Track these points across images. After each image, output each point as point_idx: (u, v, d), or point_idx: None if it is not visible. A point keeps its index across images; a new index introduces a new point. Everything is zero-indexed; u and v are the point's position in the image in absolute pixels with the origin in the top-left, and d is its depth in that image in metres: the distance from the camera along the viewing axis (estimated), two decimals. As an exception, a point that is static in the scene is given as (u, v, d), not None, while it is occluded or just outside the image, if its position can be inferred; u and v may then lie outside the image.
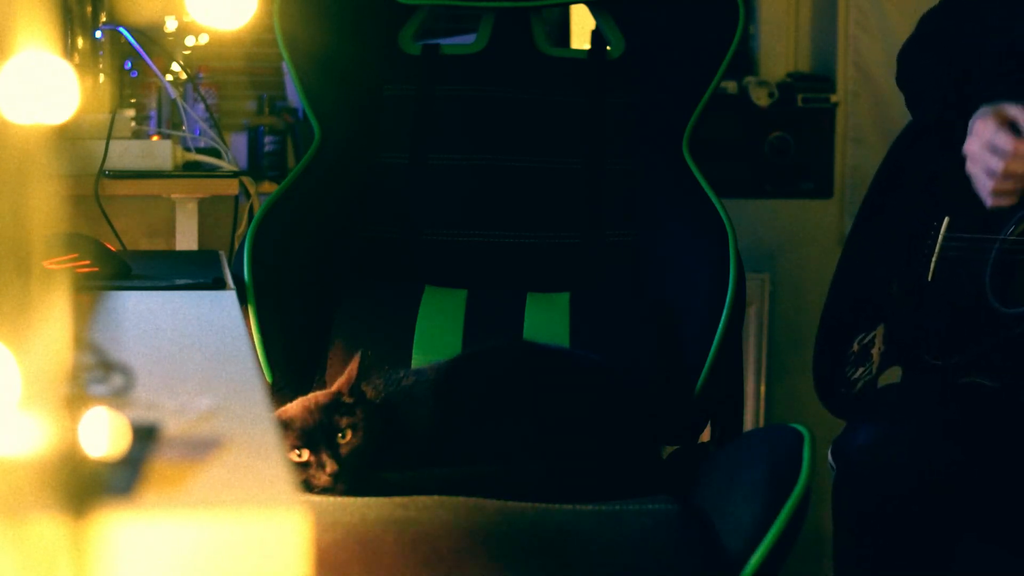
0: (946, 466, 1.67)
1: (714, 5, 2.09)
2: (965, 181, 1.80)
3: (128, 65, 2.74)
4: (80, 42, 2.46)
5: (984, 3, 1.92)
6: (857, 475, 1.71)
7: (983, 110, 1.76)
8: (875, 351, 1.90)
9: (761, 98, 3.11)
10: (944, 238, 1.85)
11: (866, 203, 2.03)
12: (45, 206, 0.72)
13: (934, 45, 1.94)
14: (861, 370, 1.90)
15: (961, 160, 1.79)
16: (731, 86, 3.12)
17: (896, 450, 1.69)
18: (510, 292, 2.05)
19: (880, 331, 1.90)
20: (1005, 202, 1.74)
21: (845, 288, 2.01)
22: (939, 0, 2.00)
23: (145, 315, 1.52)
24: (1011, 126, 1.72)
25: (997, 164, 1.71)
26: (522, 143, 2.14)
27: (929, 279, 1.87)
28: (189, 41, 2.75)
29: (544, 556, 1.47)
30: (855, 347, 1.92)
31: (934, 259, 1.86)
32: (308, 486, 1.62)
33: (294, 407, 1.67)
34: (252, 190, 2.52)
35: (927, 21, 1.99)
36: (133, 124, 2.58)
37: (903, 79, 1.98)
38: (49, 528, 0.71)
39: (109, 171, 2.40)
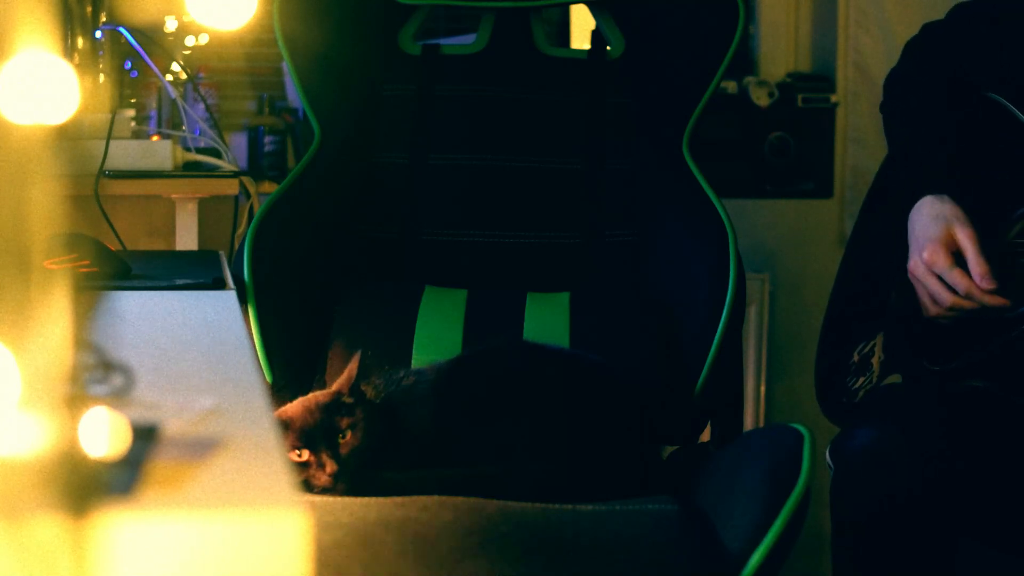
0: (944, 468, 1.67)
1: (714, 5, 2.09)
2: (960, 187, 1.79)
3: (128, 65, 2.74)
4: (80, 42, 2.46)
5: (958, 37, 1.92)
6: (855, 476, 1.71)
7: (929, 217, 1.76)
8: (875, 360, 1.89)
9: (761, 98, 3.11)
10: None
11: (864, 209, 2.03)
12: (45, 206, 0.72)
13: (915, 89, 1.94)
14: (862, 380, 1.90)
15: (957, 166, 1.79)
16: (731, 86, 3.12)
17: (894, 451, 1.69)
18: (510, 292, 2.05)
19: (879, 340, 1.90)
20: (943, 320, 1.76)
21: (845, 297, 2.01)
22: (920, 29, 2.00)
23: (145, 315, 1.52)
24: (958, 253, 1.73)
25: (945, 299, 1.73)
26: (522, 143, 2.14)
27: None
28: (189, 41, 2.75)
29: (544, 556, 1.47)
30: (855, 357, 1.92)
31: None
32: (308, 486, 1.62)
33: (294, 407, 1.67)
34: (252, 190, 2.52)
35: (912, 49, 1.99)
36: (133, 124, 2.58)
37: (886, 109, 1.98)
38: (49, 528, 0.71)
39: (109, 171, 2.40)
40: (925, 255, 1.74)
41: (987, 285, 1.71)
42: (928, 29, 1.98)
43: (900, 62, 1.99)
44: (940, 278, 1.73)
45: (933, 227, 1.75)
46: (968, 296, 1.71)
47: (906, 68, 1.97)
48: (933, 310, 1.76)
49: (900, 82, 1.97)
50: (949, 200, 1.76)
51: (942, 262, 1.72)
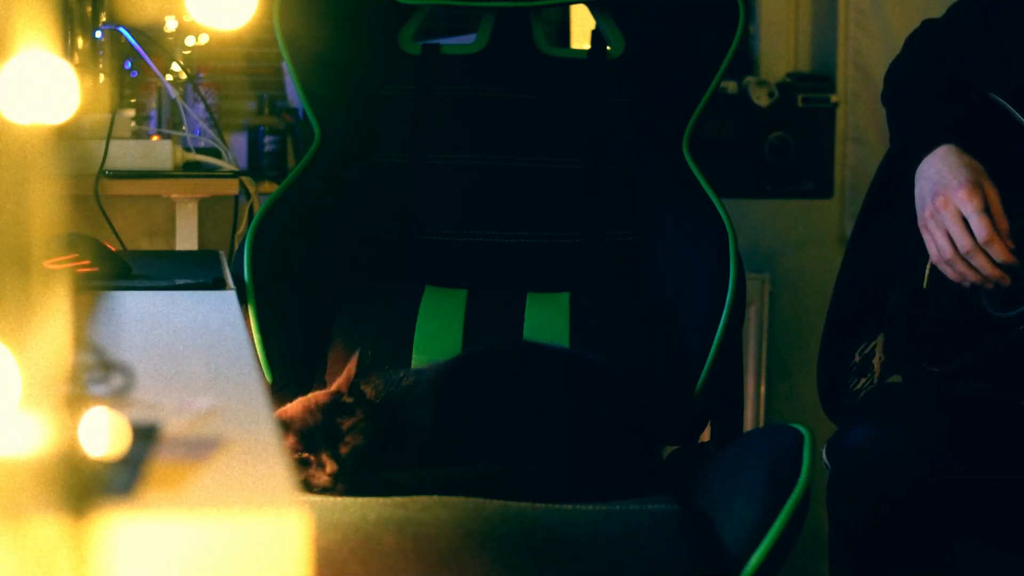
0: (941, 467, 1.67)
1: (714, 5, 2.09)
2: None
3: (128, 65, 2.74)
4: (80, 42, 2.46)
5: (957, 36, 1.92)
6: (851, 475, 1.71)
7: (959, 164, 1.75)
8: (876, 361, 1.89)
9: (761, 98, 3.11)
10: None
11: (863, 211, 2.03)
12: (45, 206, 0.72)
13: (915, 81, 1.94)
14: (863, 381, 1.89)
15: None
16: (731, 86, 3.12)
17: (890, 450, 1.69)
18: (510, 292, 2.05)
19: (880, 341, 1.90)
20: (948, 271, 1.76)
21: (845, 298, 2.00)
22: (920, 23, 2.00)
23: (145, 315, 1.52)
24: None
25: (966, 243, 1.72)
26: (522, 143, 2.14)
27: (924, 286, 1.87)
28: (189, 41, 2.75)
29: (544, 556, 1.47)
30: (856, 358, 1.91)
31: (928, 266, 1.85)
32: (308, 486, 1.62)
33: (294, 407, 1.67)
34: (252, 190, 2.52)
35: (912, 44, 1.98)
36: (133, 124, 2.58)
37: (887, 100, 1.98)
38: (49, 528, 0.71)
39: (109, 171, 2.40)
40: (961, 193, 1.72)
41: (1009, 244, 1.71)
42: (928, 25, 1.98)
43: (901, 56, 1.99)
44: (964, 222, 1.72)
45: (965, 171, 1.74)
46: (986, 245, 1.70)
47: (906, 64, 1.97)
48: (947, 255, 1.74)
49: (901, 77, 1.96)
50: (971, 156, 1.76)
51: (977, 203, 1.71)
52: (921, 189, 1.79)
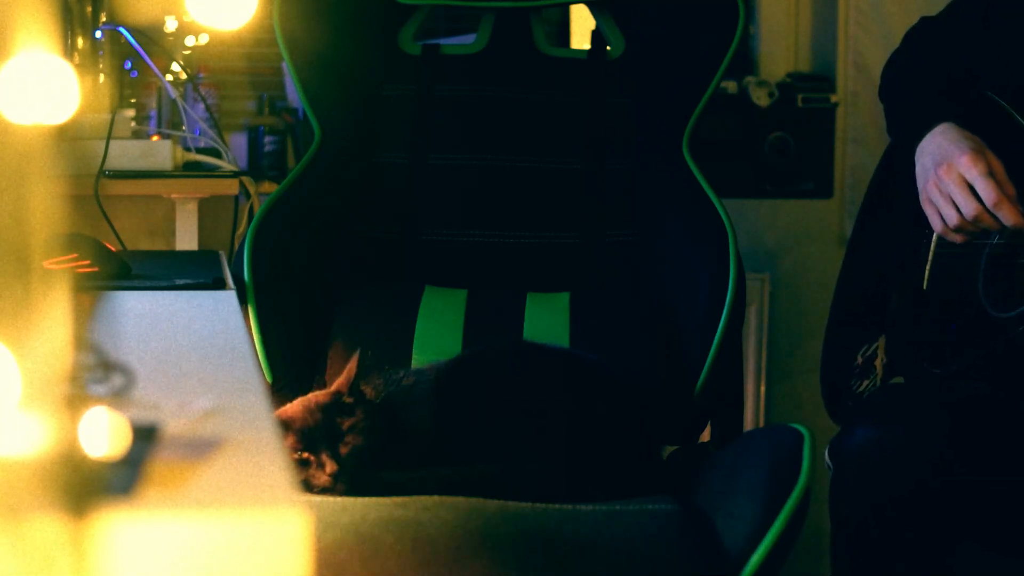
0: (942, 469, 1.67)
1: (714, 5, 2.09)
2: None
3: (128, 65, 2.74)
4: (80, 42, 2.46)
5: (956, 34, 1.92)
6: (853, 475, 1.71)
7: (960, 137, 1.74)
8: (878, 363, 1.89)
9: (761, 98, 3.11)
10: (936, 244, 1.85)
11: (862, 211, 2.03)
12: (45, 206, 0.72)
13: (912, 73, 1.94)
14: (866, 382, 1.89)
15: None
16: (731, 86, 3.12)
17: (892, 451, 1.69)
18: (510, 292, 2.05)
19: (881, 342, 1.90)
20: (956, 239, 1.75)
21: (846, 300, 2.00)
22: (919, 19, 2.00)
23: (145, 315, 1.52)
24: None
25: (972, 208, 1.71)
26: (522, 143, 2.14)
27: (924, 287, 1.87)
28: (189, 41, 2.75)
29: (544, 556, 1.47)
30: (859, 360, 1.91)
31: (928, 267, 1.85)
32: (308, 486, 1.62)
33: (294, 407, 1.67)
34: (252, 190, 2.52)
35: (911, 41, 1.98)
36: (133, 124, 2.58)
37: (884, 95, 1.98)
38: (49, 528, 0.71)
39: (109, 171, 2.40)
40: (965, 159, 1.70)
41: (1017, 206, 1.69)
42: (927, 22, 1.98)
43: (900, 50, 1.99)
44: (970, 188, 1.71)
45: (967, 142, 1.72)
46: (995, 208, 1.69)
47: (905, 59, 1.97)
48: (953, 222, 1.73)
49: (900, 72, 1.96)
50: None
51: (982, 167, 1.69)
52: (923, 163, 1.78)
